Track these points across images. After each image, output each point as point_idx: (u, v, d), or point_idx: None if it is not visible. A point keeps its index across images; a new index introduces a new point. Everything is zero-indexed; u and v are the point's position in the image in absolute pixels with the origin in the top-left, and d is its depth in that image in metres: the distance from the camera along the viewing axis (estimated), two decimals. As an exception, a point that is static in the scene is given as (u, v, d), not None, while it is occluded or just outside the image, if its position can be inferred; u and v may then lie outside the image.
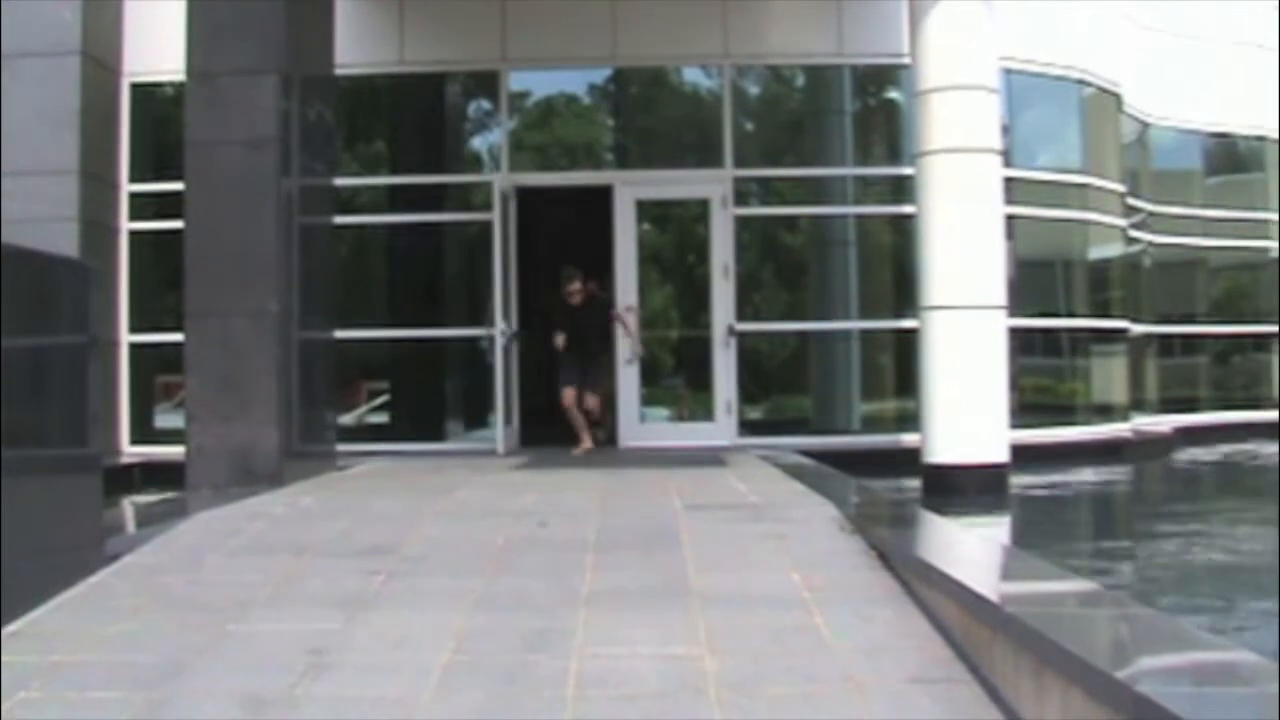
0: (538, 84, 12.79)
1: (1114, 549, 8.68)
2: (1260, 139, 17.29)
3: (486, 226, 11.48)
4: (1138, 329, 14.89)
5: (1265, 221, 17.40)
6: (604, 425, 11.49)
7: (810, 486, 6.98)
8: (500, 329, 11.01)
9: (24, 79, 11.14)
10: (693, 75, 12.91)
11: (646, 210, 12.31)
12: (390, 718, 3.37)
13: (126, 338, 12.15)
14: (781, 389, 12.77)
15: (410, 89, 12.77)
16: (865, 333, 12.49)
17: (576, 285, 10.88)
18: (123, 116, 12.25)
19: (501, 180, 11.77)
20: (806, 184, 12.70)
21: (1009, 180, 11.06)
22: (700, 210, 12.29)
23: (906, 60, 11.13)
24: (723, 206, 12.12)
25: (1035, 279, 13.27)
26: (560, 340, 10.83)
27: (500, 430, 11.00)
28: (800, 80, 13.07)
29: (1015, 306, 11.04)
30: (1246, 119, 16.98)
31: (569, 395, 10.86)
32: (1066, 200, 13.31)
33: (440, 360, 12.47)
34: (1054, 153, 13.64)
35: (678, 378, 12.56)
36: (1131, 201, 15.02)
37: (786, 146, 12.94)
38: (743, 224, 12.29)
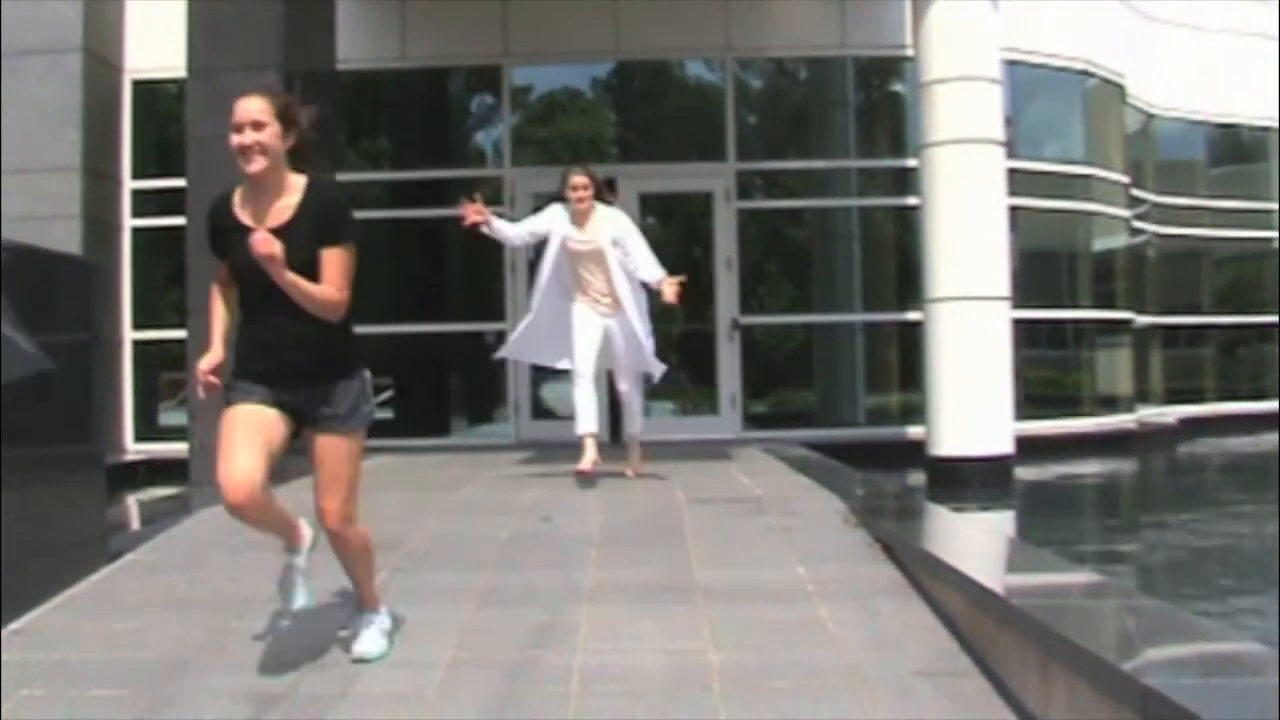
0: (540, 79, 12.79)
1: (1120, 540, 8.67)
2: (1264, 129, 17.24)
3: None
4: (1142, 320, 14.86)
5: (1270, 212, 17.36)
6: None
7: (815, 480, 6.97)
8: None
9: (25, 76, 11.15)
10: (695, 69, 12.89)
11: (650, 204, 12.29)
12: (394, 715, 3.36)
13: (130, 335, 12.17)
14: (786, 382, 12.75)
15: (412, 84, 12.76)
16: (869, 325, 12.47)
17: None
18: (124, 113, 12.26)
19: (511, 175, 11.79)
20: (810, 177, 12.67)
21: (1013, 171, 11.02)
22: (704, 204, 12.28)
23: (909, 52, 11.11)
24: (726, 200, 12.10)
25: (1039, 270, 13.24)
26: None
27: (514, 424, 11.17)
28: (803, 73, 13.04)
29: (1019, 298, 11.03)
30: (1251, 109, 16.92)
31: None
32: (1070, 191, 13.28)
33: (445, 355, 12.46)
34: (1058, 144, 13.61)
35: (682, 371, 12.52)
36: (1136, 192, 14.99)
37: (789, 139, 12.91)
38: (746, 217, 12.27)
